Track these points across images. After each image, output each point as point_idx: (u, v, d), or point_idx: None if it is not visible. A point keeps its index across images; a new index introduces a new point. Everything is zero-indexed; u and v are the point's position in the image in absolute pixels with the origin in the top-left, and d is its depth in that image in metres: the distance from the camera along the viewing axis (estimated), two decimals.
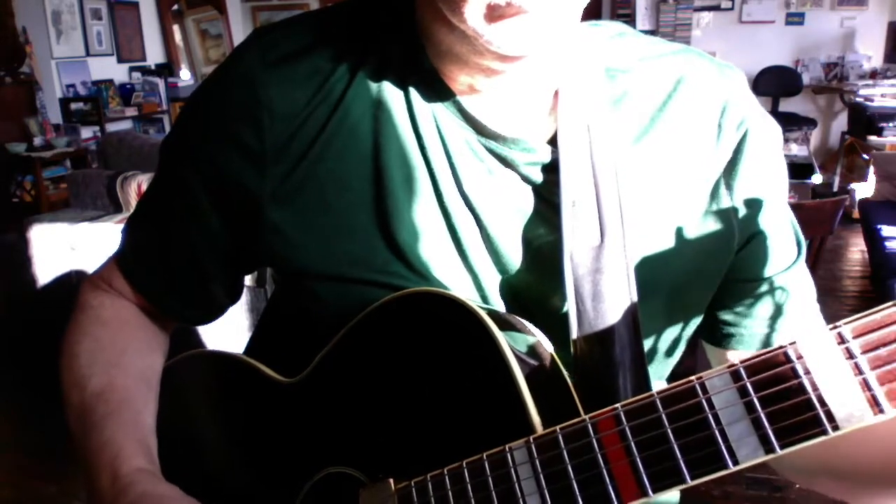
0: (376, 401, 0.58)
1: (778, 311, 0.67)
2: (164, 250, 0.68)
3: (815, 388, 0.40)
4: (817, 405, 0.40)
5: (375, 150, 0.59)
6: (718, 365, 0.70)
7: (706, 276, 0.63)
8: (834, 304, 3.74)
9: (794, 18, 6.40)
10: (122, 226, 0.73)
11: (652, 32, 6.47)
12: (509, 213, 0.59)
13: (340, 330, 0.60)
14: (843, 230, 4.76)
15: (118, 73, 5.96)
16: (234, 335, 2.43)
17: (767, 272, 0.65)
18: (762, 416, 0.41)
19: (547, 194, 0.60)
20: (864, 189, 4.77)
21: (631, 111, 0.61)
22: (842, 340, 0.40)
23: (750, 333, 0.67)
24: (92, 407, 0.63)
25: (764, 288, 0.66)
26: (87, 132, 5.46)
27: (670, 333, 0.65)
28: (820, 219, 2.11)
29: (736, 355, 0.68)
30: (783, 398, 0.41)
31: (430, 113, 0.59)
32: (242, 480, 0.65)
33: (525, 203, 0.60)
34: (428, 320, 0.56)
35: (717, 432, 0.42)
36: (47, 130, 5.16)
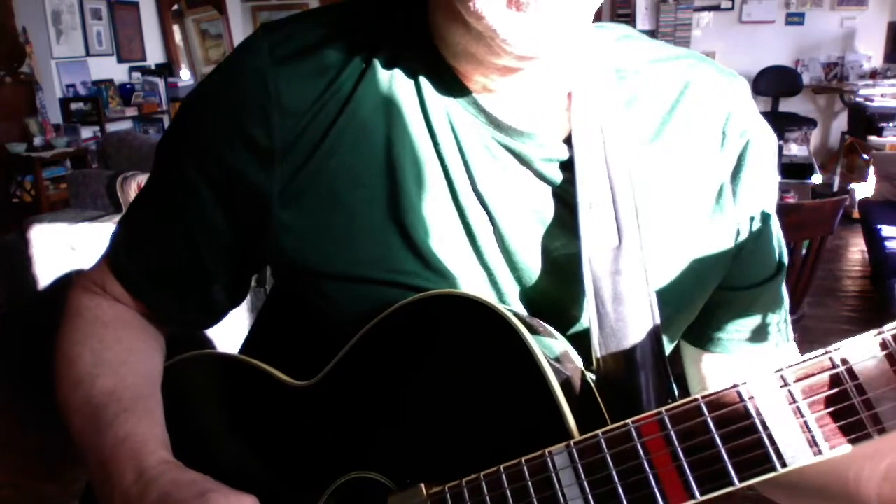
0: (400, 405, 0.57)
1: (762, 319, 0.68)
2: (163, 253, 0.66)
3: (863, 392, 0.41)
4: (863, 409, 0.41)
5: (387, 147, 0.58)
6: (691, 362, 0.71)
7: (708, 279, 0.64)
8: (834, 304, 3.74)
9: (794, 18, 6.40)
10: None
11: (652, 32, 6.47)
12: (523, 212, 0.59)
13: (353, 330, 0.59)
14: (843, 230, 4.76)
15: (118, 73, 5.96)
16: (234, 335, 2.42)
17: (755, 280, 0.66)
18: (811, 419, 0.42)
19: (563, 194, 0.59)
20: (864, 189, 4.77)
21: (641, 113, 0.61)
22: (885, 346, 0.41)
23: (732, 339, 0.68)
24: (103, 405, 0.62)
25: (750, 296, 0.67)
26: (87, 132, 5.46)
27: (671, 335, 0.66)
28: (820, 219, 2.11)
29: (714, 357, 0.70)
30: (831, 403, 0.41)
31: (444, 110, 0.59)
32: (258, 486, 0.63)
33: (539, 203, 0.59)
34: (453, 323, 0.55)
35: (764, 436, 0.43)
36: (47, 130, 5.16)
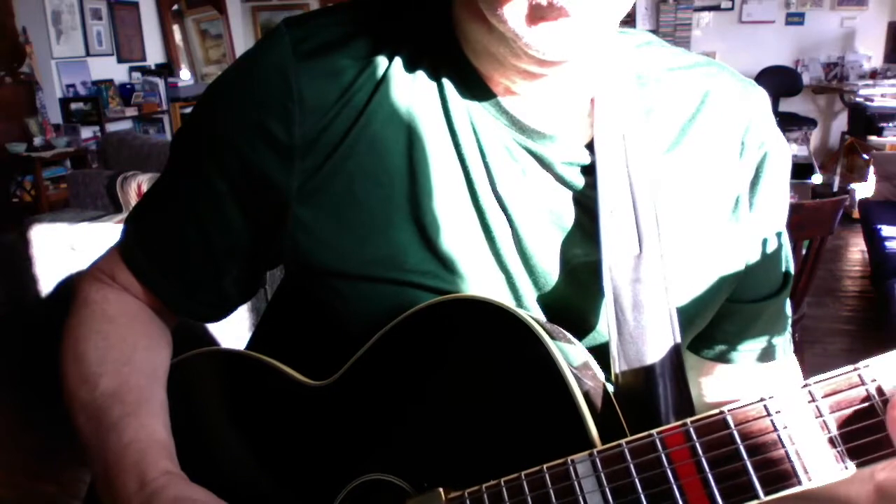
0: (419, 407, 0.56)
1: (766, 333, 0.68)
2: (176, 245, 0.65)
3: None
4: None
5: (408, 147, 0.58)
6: (689, 368, 0.69)
7: (722, 289, 0.63)
8: (834, 304, 3.74)
9: (794, 18, 6.40)
10: (122, 226, 0.70)
11: (652, 32, 6.43)
12: (542, 215, 0.58)
13: (367, 331, 0.58)
14: (843, 230, 4.76)
15: (118, 73, 5.96)
16: (234, 335, 2.43)
17: (762, 294, 0.66)
18: (838, 435, 0.42)
19: (583, 200, 0.59)
20: (864, 189, 4.77)
21: (662, 121, 0.61)
22: None
23: (735, 351, 0.68)
24: (107, 407, 0.61)
25: (756, 309, 0.66)
26: (87, 132, 5.45)
27: (683, 344, 0.65)
28: (820, 219, 2.11)
29: (714, 366, 0.69)
30: (859, 419, 0.41)
31: (465, 110, 0.58)
32: (270, 486, 0.62)
33: (559, 207, 0.59)
34: (474, 327, 0.54)
35: (791, 450, 0.42)
36: (47, 130, 5.16)
